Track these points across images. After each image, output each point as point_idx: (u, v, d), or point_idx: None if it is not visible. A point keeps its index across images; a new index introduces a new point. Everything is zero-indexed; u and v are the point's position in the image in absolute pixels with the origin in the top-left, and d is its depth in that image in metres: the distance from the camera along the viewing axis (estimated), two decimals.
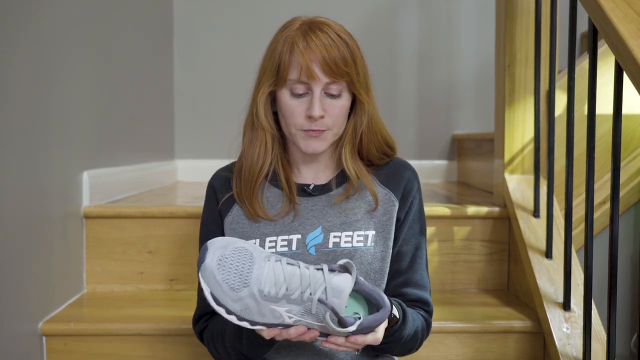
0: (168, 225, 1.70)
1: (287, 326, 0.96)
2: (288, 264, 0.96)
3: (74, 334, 1.43)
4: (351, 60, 1.08)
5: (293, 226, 1.13)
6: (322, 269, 0.95)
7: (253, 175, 1.14)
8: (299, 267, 0.95)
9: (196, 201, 1.87)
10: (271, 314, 0.93)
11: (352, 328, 0.93)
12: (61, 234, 1.54)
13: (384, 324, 1.00)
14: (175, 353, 1.45)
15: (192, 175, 2.74)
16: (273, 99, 1.14)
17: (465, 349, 1.48)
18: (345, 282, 0.93)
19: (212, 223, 1.19)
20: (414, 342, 1.12)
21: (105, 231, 1.69)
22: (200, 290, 1.20)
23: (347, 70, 1.07)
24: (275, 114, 1.16)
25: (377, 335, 0.99)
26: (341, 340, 0.96)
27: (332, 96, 1.09)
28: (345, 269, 0.96)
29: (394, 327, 1.05)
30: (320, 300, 0.92)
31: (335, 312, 0.92)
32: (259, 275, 0.93)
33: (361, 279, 1.00)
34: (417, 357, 1.40)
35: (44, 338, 1.43)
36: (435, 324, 1.43)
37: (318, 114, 1.06)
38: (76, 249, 1.64)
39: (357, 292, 0.99)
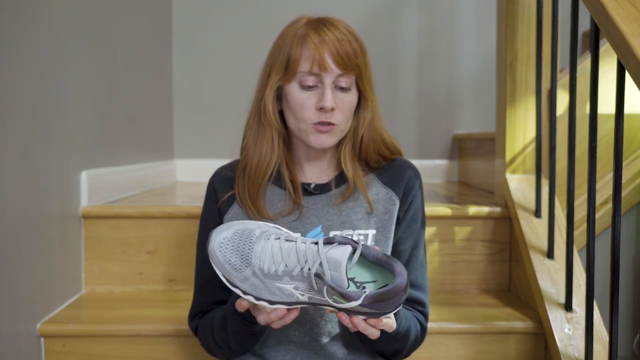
0: (167, 226, 1.69)
1: (304, 304, 0.90)
2: (287, 240, 0.91)
3: (72, 335, 1.42)
4: (361, 54, 1.10)
5: (293, 225, 1.13)
6: (317, 243, 0.88)
7: (259, 173, 1.13)
8: (296, 242, 0.90)
9: (195, 201, 1.87)
10: (280, 292, 0.89)
11: (356, 303, 0.85)
12: (60, 234, 1.53)
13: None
14: (175, 354, 1.44)
15: (191, 175, 2.73)
16: (277, 97, 1.14)
17: (466, 350, 1.48)
18: (342, 254, 0.85)
19: (211, 221, 1.18)
20: (404, 342, 1.09)
21: (104, 231, 1.68)
22: (196, 287, 1.20)
23: (358, 63, 1.09)
24: (280, 113, 1.15)
25: (391, 322, 0.94)
26: (361, 323, 0.89)
27: (342, 89, 1.09)
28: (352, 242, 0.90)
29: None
30: (317, 275, 0.86)
31: (332, 287, 0.84)
32: (258, 253, 0.89)
33: (374, 248, 0.91)
34: (418, 358, 1.39)
35: (42, 339, 1.42)
36: (435, 325, 1.43)
37: (330, 104, 1.07)
38: (75, 250, 1.63)
39: (374, 263, 0.90)
